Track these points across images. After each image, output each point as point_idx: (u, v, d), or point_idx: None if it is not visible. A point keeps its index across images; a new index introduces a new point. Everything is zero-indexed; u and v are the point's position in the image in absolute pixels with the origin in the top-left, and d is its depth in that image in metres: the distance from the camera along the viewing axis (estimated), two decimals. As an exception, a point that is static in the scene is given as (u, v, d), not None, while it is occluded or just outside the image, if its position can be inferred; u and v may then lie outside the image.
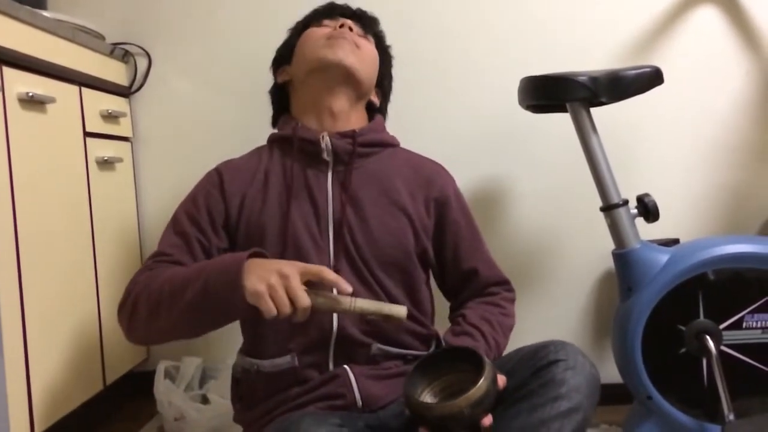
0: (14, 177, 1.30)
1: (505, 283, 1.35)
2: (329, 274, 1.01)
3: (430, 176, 1.32)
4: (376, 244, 1.22)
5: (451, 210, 1.31)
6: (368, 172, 1.27)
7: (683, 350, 1.46)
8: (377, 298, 1.20)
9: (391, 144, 1.34)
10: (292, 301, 0.98)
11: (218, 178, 1.27)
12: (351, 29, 1.31)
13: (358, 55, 1.28)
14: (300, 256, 1.18)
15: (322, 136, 1.24)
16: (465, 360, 1.03)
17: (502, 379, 1.04)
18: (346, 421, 1.09)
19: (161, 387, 1.69)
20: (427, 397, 1.07)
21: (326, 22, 1.35)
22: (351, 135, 1.26)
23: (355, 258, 1.21)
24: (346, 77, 1.27)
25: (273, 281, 0.98)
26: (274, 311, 0.97)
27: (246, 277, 0.99)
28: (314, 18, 1.38)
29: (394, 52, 1.47)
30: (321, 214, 1.22)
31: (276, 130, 1.37)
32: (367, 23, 1.39)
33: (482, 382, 0.96)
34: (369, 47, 1.34)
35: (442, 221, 1.30)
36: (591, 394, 1.04)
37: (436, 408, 0.98)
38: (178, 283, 1.07)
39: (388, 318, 1.02)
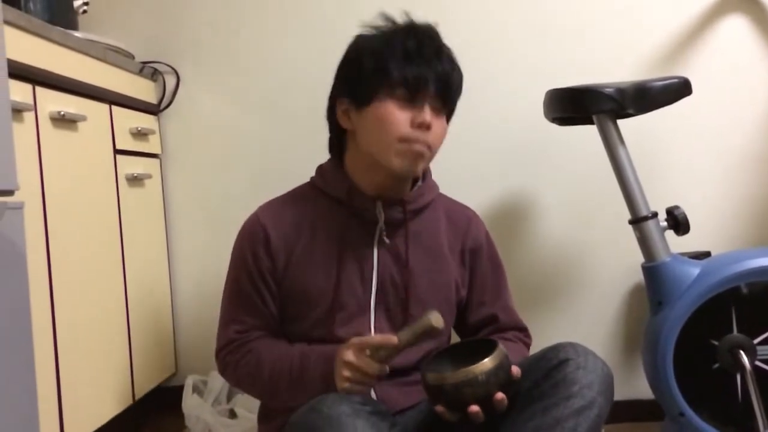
0: (46, 193, 1.33)
1: (523, 330, 1.35)
2: (374, 340, 1.10)
3: (464, 226, 1.33)
4: (420, 305, 1.22)
5: (482, 258, 1.32)
6: (412, 232, 1.26)
7: (716, 365, 1.43)
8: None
9: (434, 194, 1.32)
10: (368, 374, 1.08)
11: (263, 234, 1.23)
12: (429, 127, 1.17)
13: (429, 156, 1.20)
14: (343, 316, 1.21)
15: (378, 206, 1.22)
16: (484, 353, 1.04)
17: (516, 369, 1.05)
18: (368, 401, 1.10)
19: (189, 401, 1.70)
20: None
21: (410, 104, 1.17)
22: (401, 203, 1.24)
23: (397, 321, 1.23)
24: (420, 169, 1.22)
25: (346, 374, 1.09)
26: (366, 390, 1.11)
27: (336, 385, 1.10)
28: (398, 85, 1.16)
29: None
30: (366, 276, 1.23)
31: (321, 168, 1.31)
32: (449, 98, 1.22)
33: (495, 354, 1.01)
34: (440, 127, 1.21)
35: (473, 269, 1.32)
36: (604, 390, 1.03)
37: (452, 376, 1.01)
38: (283, 384, 1.17)
39: (426, 332, 1.06)
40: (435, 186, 1.33)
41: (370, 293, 1.23)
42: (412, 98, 1.17)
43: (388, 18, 1.24)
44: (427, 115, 1.16)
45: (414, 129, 1.16)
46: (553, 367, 1.06)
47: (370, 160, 1.21)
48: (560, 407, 1.01)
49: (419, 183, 1.29)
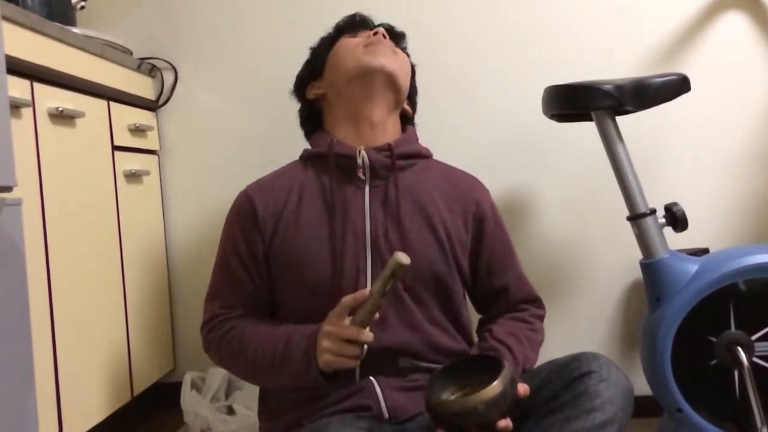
0: (44, 190, 1.33)
1: (535, 301, 1.33)
2: (346, 302, 1.09)
3: (466, 190, 1.31)
4: (415, 260, 1.18)
5: (488, 225, 1.30)
6: (405, 187, 1.25)
7: (714, 362, 1.44)
8: (415, 314, 1.21)
9: (425, 155, 1.33)
10: (354, 341, 1.07)
11: (249, 206, 1.25)
12: (385, 37, 1.31)
13: (397, 61, 1.29)
14: (342, 278, 1.19)
15: (359, 151, 1.23)
16: (488, 369, 1.03)
17: (523, 387, 1.03)
18: (374, 427, 1.09)
19: (188, 398, 1.70)
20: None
21: (359, 32, 1.35)
22: (387, 148, 1.25)
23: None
24: (389, 83, 1.26)
25: (327, 345, 1.08)
26: (353, 362, 1.09)
27: (318, 360, 1.10)
28: (346, 29, 1.37)
29: (417, 62, 1.47)
30: (359, 231, 1.21)
31: (309, 147, 1.35)
32: (397, 36, 1.39)
33: (498, 382, 0.97)
34: (403, 55, 1.34)
35: (479, 237, 1.29)
36: (625, 406, 1.02)
37: (451, 404, 1.00)
38: (265, 363, 1.16)
39: (398, 272, 1.04)
40: (426, 148, 1.34)
41: (365, 250, 1.21)
42: (360, 28, 1.35)
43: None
44: (378, 29, 1.31)
45: (372, 38, 1.29)
46: (574, 379, 1.04)
47: (345, 108, 1.27)
48: (581, 420, 0.99)
49: (405, 135, 1.33)
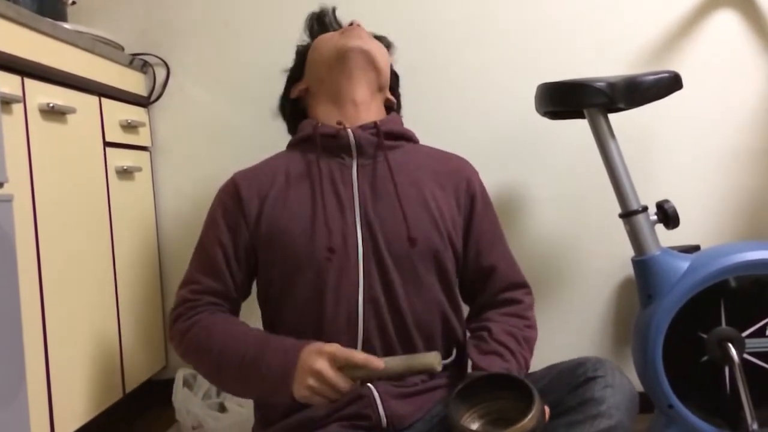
0: (35, 186, 1.32)
1: (524, 286, 1.30)
2: (357, 358, 1.05)
3: (456, 169, 1.31)
4: (407, 235, 1.18)
5: (478, 204, 1.29)
6: (394, 165, 1.23)
7: (705, 358, 1.45)
8: (412, 286, 1.19)
9: (412, 139, 1.34)
10: (336, 390, 1.04)
11: (233, 188, 1.26)
12: (359, 25, 1.35)
13: (374, 43, 1.33)
14: (329, 258, 1.16)
15: (344, 126, 1.23)
16: (506, 387, 1.01)
17: (547, 411, 1.01)
18: None
19: (180, 395, 1.70)
20: (471, 423, 1.04)
21: (333, 28, 1.42)
22: (373, 126, 1.25)
23: (384, 254, 1.18)
24: (367, 61, 1.29)
25: (311, 383, 1.04)
26: (324, 402, 1.07)
27: (295, 384, 1.06)
28: (319, 29, 1.45)
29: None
30: (347, 209, 1.19)
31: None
32: (377, 37, 1.42)
33: (533, 414, 0.94)
34: (379, 43, 1.38)
35: (470, 215, 1.28)
36: (630, 411, 1.02)
37: None
38: (233, 367, 1.12)
39: (422, 371, 1.03)
40: (413, 132, 1.35)
41: (356, 227, 1.19)
42: (331, 25, 1.43)
43: None
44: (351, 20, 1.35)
45: (346, 28, 1.35)
46: (580, 384, 1.04)
47: (328, 92, 1.30)
48: (586, 426, 0.99)
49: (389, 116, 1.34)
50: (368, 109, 1.29)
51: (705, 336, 1.44)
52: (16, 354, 1.01)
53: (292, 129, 1.43)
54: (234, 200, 1.24)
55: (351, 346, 1.14)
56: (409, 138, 1.32)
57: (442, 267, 1.22)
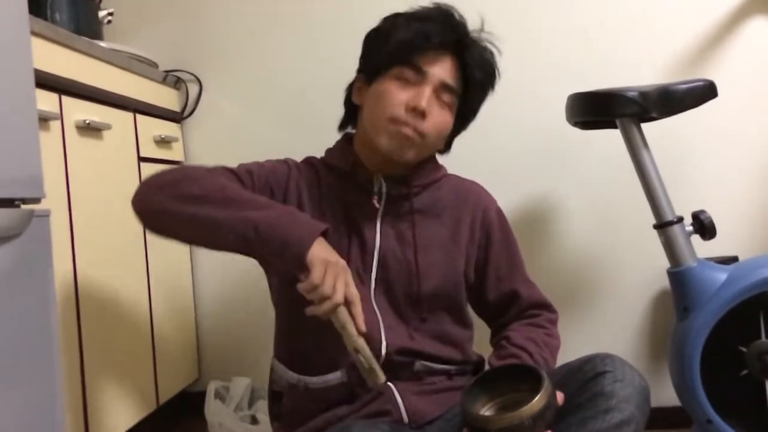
0: (72, 201, 1.35)
1: (547, 306, 1.31)
2: (358, 307, 1.02)
3: (473, 201, 1.30)
4: (423, 280, 1.20)
5: (494, 232, 1.29)
6: (417, 209, 1.24)
7: (744, 372, 1.41)
8: (429, 324, 1.21)
9: (440, 179, 1.30)
10: (333, 296, 1.00)
11: (288, 169, 1.24)
12: (424, 115, 1.14)
13: (420, 147, 1.18)
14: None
15: (376, 177, 1.22)
16: (523, 379, 1.02)
17: (560, 396, 1.01)
18: (395, 429, 1.09)
19: (212, 407, 1.71)
20: (487, 412, 1.05)
21: (412, 85, 1.15)
22: (405, 181, 1.23)
23: (397, 296, 1.20)
24: (417, 149, 1.18)
25: (333, 266, 1.01)
26: (317, 282, 0.99)
27: (317, 244, 1.02)
28: (403, 58, 1.16)
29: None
30: (368, 250, 1.21)
31: (334, 147, 1.31)
32: (462, 88, 1.21)
33: (542, 394, 0.95)
34: (441, 117, 1.18)
35: (486, 244, 1.28)
36: (642, 405, 1.01)
37: (497, 420, 0.97)
38: (246, 196, 1.09)
39: (369, 375, 1.02)
40: (442, 167, 1.32)
41: (371, 268, 1.20)
42: (415, 79, 1.15)
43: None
44: (424, 100, 1.13)
45: (407, 112, 1.14)
46: (589, 380, 1.04)
47: (372, 143, 1.19)
48: (598, 420, 0.98)
49: (426, 166, 1.27)
50: (405, 168, 1.25)
51: (744, 349, 1.40)
52: (52, 366, 1.03)
53: (344, 122, 1.33)
54: (285, 177, 1.23)
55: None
56: (438, 180, 1.29)
57: (453, 301, 1.25)
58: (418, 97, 1.14)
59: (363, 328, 1.02)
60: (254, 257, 1.15)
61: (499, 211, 1.33)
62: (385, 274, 1.20)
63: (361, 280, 1.19)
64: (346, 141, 1.28)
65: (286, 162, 1.28)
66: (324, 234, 1.06)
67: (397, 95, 1.15)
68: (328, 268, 1.00)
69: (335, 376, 1.17)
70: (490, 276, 1.28)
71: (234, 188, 1.12)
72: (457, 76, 1.19)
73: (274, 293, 1.28)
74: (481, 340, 1.33)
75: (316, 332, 1.13)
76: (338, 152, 1.28)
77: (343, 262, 1.04)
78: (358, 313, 1.02)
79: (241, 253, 1.10)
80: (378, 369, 1.02)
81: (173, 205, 1.09)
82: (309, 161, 1.30)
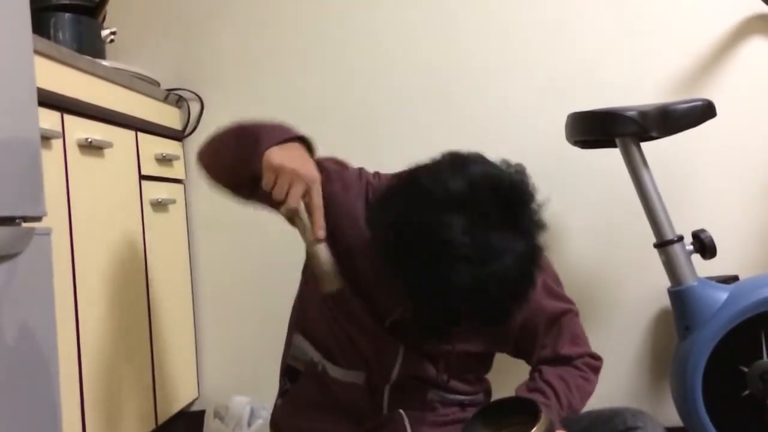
0: (73, 219, 1.34)
1: (590, 354, 1.24)
2: (315, 215, 1.02)
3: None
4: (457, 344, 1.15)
5: (515, 329, 1.18)
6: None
7: (746, 392, 1.40)
8: (450, 367, 1.17)
9: None
10: (286, 196, 1.01)
11: (365, 186, 1.16)
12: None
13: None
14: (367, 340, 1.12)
15: None
16: (527, 413, 0.99)
17: None
18: None
19: (211, 427, 1.70)
20: None
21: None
22: None
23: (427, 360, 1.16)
24: None
25: (288, 172, 1.00)
26: (266, 187, 1.01)
27: (279, 149, 1.04)
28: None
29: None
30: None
31: None
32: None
33: (537, 428, 0.93)
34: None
35: (524, 324, 1.18)
36: None
37: None
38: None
39: (322, 281, 1.05)
40: None
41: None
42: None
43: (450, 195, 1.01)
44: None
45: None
46: None
47: None
48: None
49: None
50: None
51: (746, 369, 1.40)
52: (51, 384, 1.03)
53: None
54: (356, 182, 1.16)
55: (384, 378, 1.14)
56: None
57: (483, 362, 1.25)
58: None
59: (319, 235, 1.03)
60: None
61: (545, 281, 1.21)
62: (409, 345, 1.13)
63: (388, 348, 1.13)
64: None
65: (369, 177, 1.20)
66: (304, 143, 1.08)
67: None
68: (280, 173, 1.00)
69: (356, 375, 1.14)
70: (534, 346, 1.21)
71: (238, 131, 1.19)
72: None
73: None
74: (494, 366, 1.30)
75: (352, 322, 1.11)
76: None
77: (309, 172, 1.02)
78: (315, 221, 1.02)
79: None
80: (333, 275, 1.04)
81: (214, 160, 1.25)
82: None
